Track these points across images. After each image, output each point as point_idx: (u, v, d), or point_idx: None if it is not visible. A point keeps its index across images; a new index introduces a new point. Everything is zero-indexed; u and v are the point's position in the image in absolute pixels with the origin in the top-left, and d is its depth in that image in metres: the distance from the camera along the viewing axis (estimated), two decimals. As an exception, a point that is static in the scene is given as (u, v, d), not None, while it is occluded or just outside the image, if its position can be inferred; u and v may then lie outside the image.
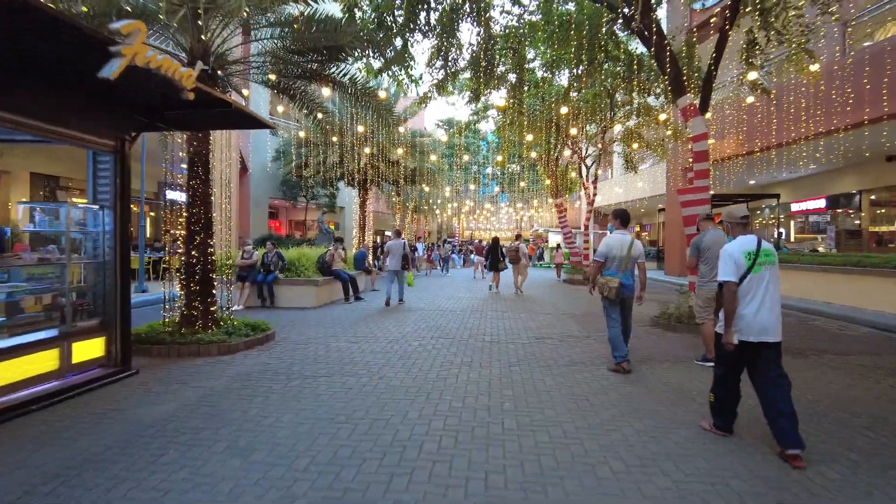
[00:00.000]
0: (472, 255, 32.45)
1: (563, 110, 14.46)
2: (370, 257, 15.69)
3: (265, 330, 7.05)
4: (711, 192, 9.25)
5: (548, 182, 25.57)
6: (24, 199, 16.20)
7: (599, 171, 20.11)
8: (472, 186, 37.44)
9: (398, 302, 11.49)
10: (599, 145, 19.15)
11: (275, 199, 26.37)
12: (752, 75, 11.12)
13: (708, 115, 9.35)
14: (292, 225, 34.36)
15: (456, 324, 8.74)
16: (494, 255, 14.62)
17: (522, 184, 29.48)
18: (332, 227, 35.54)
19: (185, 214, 6.70)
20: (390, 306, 11.09)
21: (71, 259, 4.69)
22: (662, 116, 16.90)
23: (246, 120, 5.77)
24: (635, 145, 19.28)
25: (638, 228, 48.30)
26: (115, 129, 5.06)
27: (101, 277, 5.06)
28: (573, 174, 27.17)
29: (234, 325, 6.89)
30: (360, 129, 16.09)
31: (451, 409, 4.30)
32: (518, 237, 17.11)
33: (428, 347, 6.73)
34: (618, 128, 19.26)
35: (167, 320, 6.74)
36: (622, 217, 5.75)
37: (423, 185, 25.34)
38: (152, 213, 22.59)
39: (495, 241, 15.16)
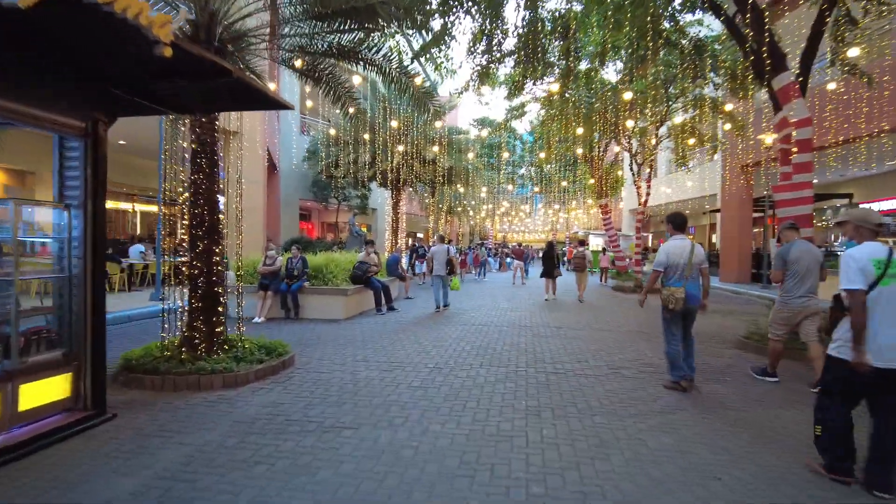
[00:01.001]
0: (509, 259, 31.08)
1: (627, 95, 12.95)
2: (403, 262, 14.54)
3: (282, 354, 5.87)
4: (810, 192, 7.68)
5: (591, 182, 23.95)
6: None
7: (646, 170, 18.40)
8: (509, 187, 35.96)
9: (443, 307, 11.13)
10: (653, 140, 17.47)
11: (305, 200, 25.56)
12: (853, 52, 9.44)
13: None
14: (324, 227, 33.59)
15: (506, 344, 7.41)
16: (549, 261, 13.48)
17: (564, 183, 27.85)
18: (365, 229, 34.70)
19: (187, 216, 5.59)
20: (439, 311, 10.92)
21: (19, 273, 3.56)
22: (726, 107, 15.18)
23: (254, 97, 4.59)
24: (691, 141, 17.54)
25: (636, 237, 45.92)
26: (85, 107, 3.95)
27: (67, 296, 3.95)
28: (619, 173, 25.48)
29: (245, 347, 5.74)
30: (394, 123, 14.89)
31: (530, 499, 2.98)
32: (582, 243, 16.04)
33: (478, 380, 5.43)
34: (666, 123, 17.53)
35: (167, 341, 5.63)
36: (677, 221, 5.38)
37: (459, 186, 24.07)
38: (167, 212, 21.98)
39: (550, 245, 14.10)
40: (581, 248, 15.23)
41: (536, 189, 34.58)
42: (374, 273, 10.75)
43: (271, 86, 15.31)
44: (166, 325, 5.66)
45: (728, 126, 16.82)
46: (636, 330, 8.87)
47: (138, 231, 20.15)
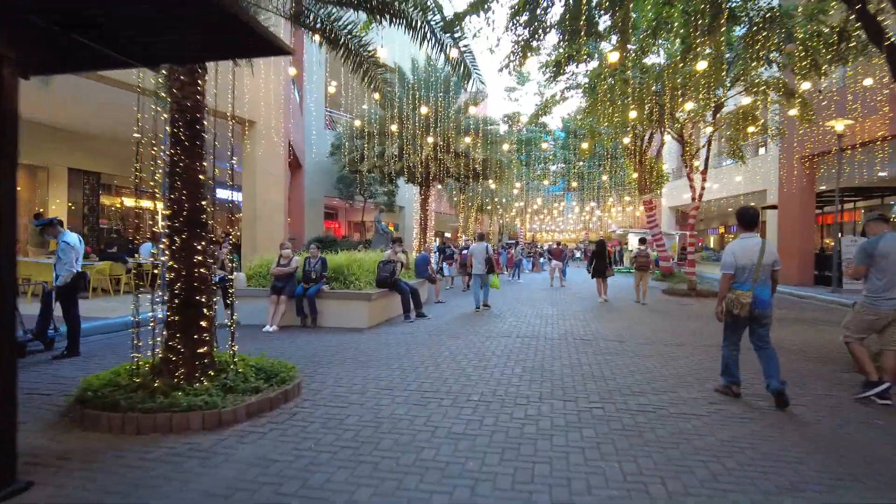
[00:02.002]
0: (544, 260, 29.49)
1: (701, 65, 11.37)
2: (433, 262, 13.16)
3: (284, 381, 4.56)
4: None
5: (634, 176, 22.22)
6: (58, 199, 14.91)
7: (694, 163, 16.65)
8: (544, 182, 34.33)
9: (483, 306, 10.83)
10: (710, 127, 15.65)
11: (330, 197, 24.49)
12: None
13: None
14: (351, 226, 32.52)
15: (564, 363, 5.99)
16: (601, 260, 12.77)
17: (604, 178, 26.12)
18: (392, 228, 33.52)
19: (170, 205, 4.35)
20: (478, 311, 10.62)
21: None
22: (801, 87, 13.37)
23: (238, 33, 3.28)
24: (750, 129, 15.71)
25: (722, 230, 43.24)
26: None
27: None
28: (665, 166, 23.68)
29: (238, 371, 4.47)
30: (424, 109, 13.56)
31: None
32: (643, 241, 14.96)
33: (542, 424, 4.00)
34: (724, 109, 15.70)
35: (140, 362, 4.41)
36: (747, 217, 4.80)
37: (491, 181, 22.64)
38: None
39: (601, 243, 13.32)
40: (643, 247, 13.91)
41: (574, 184, 32.72)
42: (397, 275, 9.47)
43: (291, 70, 14.19)
44: (139, 343, 4.42)
45: (794, 112, 15.00)
46: (714, 343, 7.30)
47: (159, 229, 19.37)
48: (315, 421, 4.01)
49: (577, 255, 33.90)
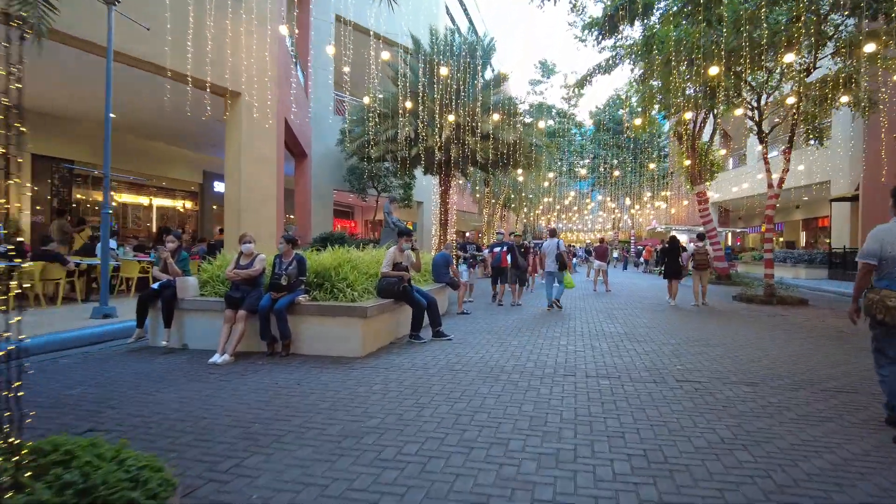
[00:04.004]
0: (577, 260, 26.76)
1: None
2: (454, 263, 10.38)
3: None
4: None
5: (686, 163, 19.33)
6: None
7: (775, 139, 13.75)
8: (581, 171, 31.46)
9: (556, 306, 10.48)
10: (792, 97, 12.70)
11: (343, 192, 22.03)
12: None
13: None
14: (368, 226, 30.00)
15: (705, 451, 3.35)
16: (673, 259, 11.83)
17: (652, 166, 23.21)
18: (411, 227, 30.89)
19: None
20: (550, 310, 10.31)
21: None
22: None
23: None
24: (844, 99, 12.71)
25: (764, 228, 39.20)
26: None
27: None
28: (721, 152, 20.72)
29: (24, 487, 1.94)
30: (444, 71, 11.02)
31: None
32: (701, 237, 13.15)
33: None
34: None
35: None
36: None
37: (520, 170, 19.95)
38: (185, 204, 18.96)
39: (673, 240, 12.08)
40: (701, 244, 12.22)
41: (616, 172, 29.72)
42: (408, 280, 6.90)
43: (281, 29, 11.74)
44: None
45: (903, 75, 12.05)
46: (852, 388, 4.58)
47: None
48: None
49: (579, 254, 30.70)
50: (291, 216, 20.20)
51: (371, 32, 14.00)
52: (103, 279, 7.72)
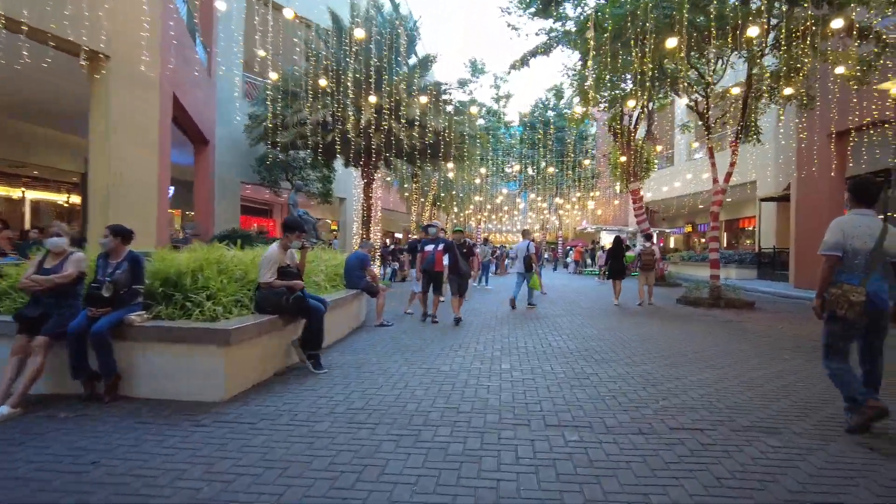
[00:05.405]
0: (509, 261, 25.72)
1: None
2: (377, 263, 8.46)
3: None
4: None
5: (622, 159, 18.63)
6: None
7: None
8: (515, 167, 30.48)
9: (528, 307, 10.45)
10: (738, 89, 11.92)
11: (252, 184, 19.57)
12: None
13: None
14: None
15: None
16: (616, 260, 11.75)
17: (587, 162, 22.50)
18: (335, 227, 28.60)
19: None
20: (515, 310, 10.06)
21: None
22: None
23: None
24: (787, 91, 12.12)
25: (689, 228, 40.33)
26: None
27: None
28: (658, 148, 20.27)
29: None
30: (360, 34, 9.26)
31: None
32: (649, 237, 12.24)
33: None
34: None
35: None
36: (863, 190, 3.63)
37: (450, 164, 18.46)
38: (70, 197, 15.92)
39: (618, 240, 12.02)
40: (648, 244, 11.71)
41: (551, 169, 28.91)
42: (299, 289, 5.08)
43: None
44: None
45: (841, 70, 11.64)
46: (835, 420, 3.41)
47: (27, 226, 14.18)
48: None
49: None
50: (190, 213, 17.60)
51: (285, 9, 12.02)
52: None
